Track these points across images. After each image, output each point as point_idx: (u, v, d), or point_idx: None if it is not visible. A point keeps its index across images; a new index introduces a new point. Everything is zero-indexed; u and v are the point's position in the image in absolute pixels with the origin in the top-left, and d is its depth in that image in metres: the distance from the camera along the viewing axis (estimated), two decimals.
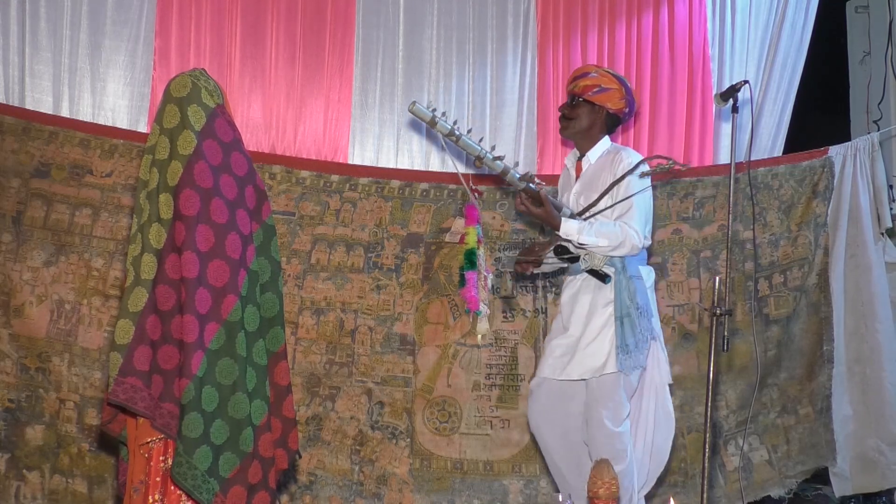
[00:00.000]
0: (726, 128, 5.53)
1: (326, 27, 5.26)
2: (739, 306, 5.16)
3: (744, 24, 5.62)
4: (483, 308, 4.09)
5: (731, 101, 3.93)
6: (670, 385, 4.14)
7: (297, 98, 5.23)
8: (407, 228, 5.06)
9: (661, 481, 5.02)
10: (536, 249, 4.21)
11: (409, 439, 4.91)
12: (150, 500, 3.20)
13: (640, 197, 3.96)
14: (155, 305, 3.14)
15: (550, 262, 4.18)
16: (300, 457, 4.44)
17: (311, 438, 4.82)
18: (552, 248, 4.09)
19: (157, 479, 3.20)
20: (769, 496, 5.18)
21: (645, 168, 3.99)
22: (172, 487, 3.17)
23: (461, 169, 4.16)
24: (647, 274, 4.12)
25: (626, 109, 4.20)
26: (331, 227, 4.93)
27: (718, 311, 3.69)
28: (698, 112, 5.59)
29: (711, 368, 3.67)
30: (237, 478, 3.22)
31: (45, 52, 4.95)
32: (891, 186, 5.46)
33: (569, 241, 3.95)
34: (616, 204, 3.98)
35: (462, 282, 4.09)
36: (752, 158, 4.62)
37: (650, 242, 4.05)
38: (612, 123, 4.22)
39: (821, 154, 5.32)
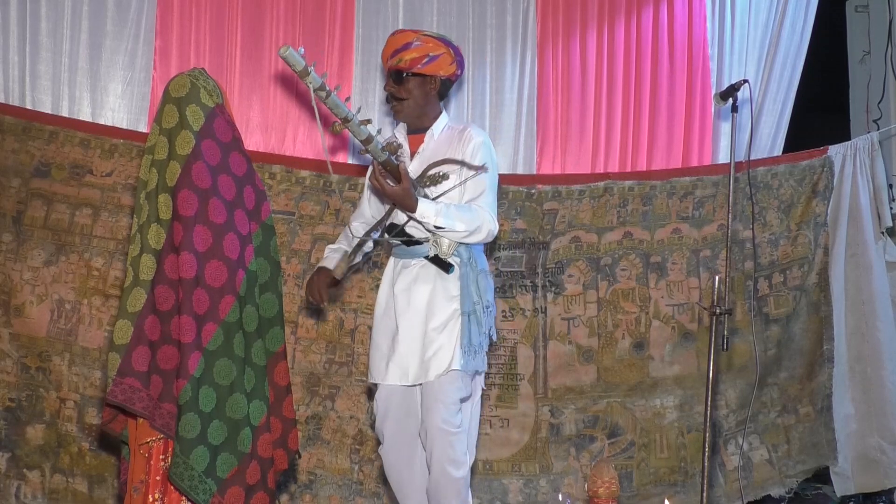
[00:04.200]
0: (725, 127, 5.52)
1: (326, 27, 5.26)
2: (739, 306, 5.16)
3: (743, 24, 5.61)
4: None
5: (730, 101, 3.94)
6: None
7: (296, 98, 5.23)
8: None
9: (660, 480, 5.05)
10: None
11: None
12: (150, 500, 3.21)
13: (490, 179, 3.66)
14: (154, 306, 3.15)
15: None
16: (300, 457, 4.43)
17: (310, 438, 4.82)
18: (380, 227, 3.72)
19: (157, 478, 3.22)
20: (769, 495, 5.19)
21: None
22: (172, 487, 3.18)
23: (322, 132, 3.76)
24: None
25: (459, 71, 3.83)
26: (331, 227, 4.93)
27: (718, 311, 3.70)
28: (697, 111, 5.59)
29: (711, 368, 3.68)
30: (235, 478, 3.23)
31: (45, 51, 4.95)
32: (890, 186, 5.47)
33: (421, 223, 3.55)
34: (464, 185, 3.65)
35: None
36: (752, 158, 4.63)
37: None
38: (445, 90, 3.85)
39: (820, 153, 5.32)
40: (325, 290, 3.79)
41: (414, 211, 3.50)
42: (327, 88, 3.15)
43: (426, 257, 3.66)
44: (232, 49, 5.17)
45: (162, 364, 3.15)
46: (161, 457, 3.23)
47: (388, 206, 3.74)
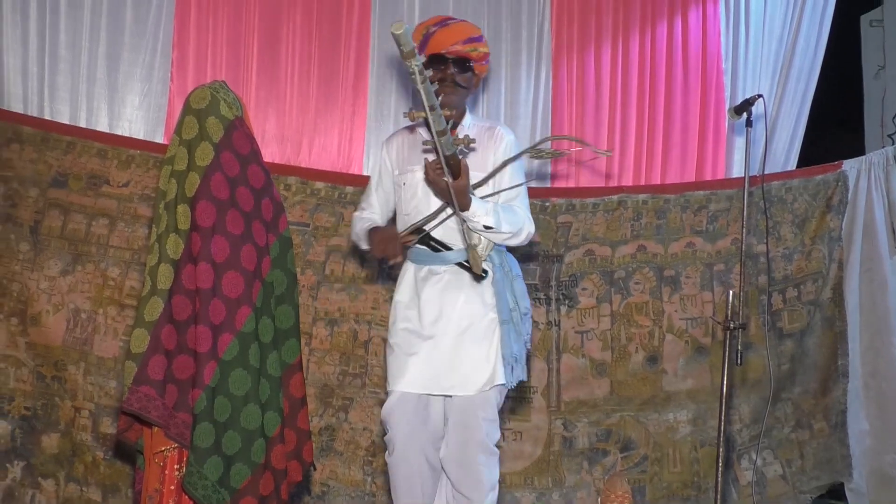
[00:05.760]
0: (739, 141, 5.53)
1: (341, 40, 5.29)
2: (753, 320, 5.15)
3: (758, 38, 5.63)
4: None
5: (744, 115, 3.94)
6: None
7: (312, 110, 5.25)
8: None
9: (673, 495, 5.03)
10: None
11: None
12: None
13: (524, 180, 3.63)
14: (171, 315, 3.17)
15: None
16: (314, 469, 4.43)
17: (323, 449, 4.83)
18: (413, 228, 3.53)
19: (172, 487, 3.23)
20: None
21: (545, 147, 3.70)
22: (186, 496, 3.18)
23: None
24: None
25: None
26: (345, 239, 4.95)
27: (732, 325, 3.70)
28: (711, 125, 5.60)
29: (725, 382, 3.67)
30: (248, 489, 3.24)
31: (64, 63, 5.00)
32: None
33: (469, 221, 3.41)
34: (498, 186, 3.58)
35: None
36: (766, 172, 4.62)
37: None
38: None
39: (835, 168, 5.31)
40: (400, 244, 3.53)
41: (467, 209, 3.37)
42: (425, 73, 2.99)
43: (459, 263, 3.53)
44: (248, 61, 5.20)
45: (177, 373, 3.16)
46: (176, 466, 3.24)
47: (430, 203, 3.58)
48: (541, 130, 5.45)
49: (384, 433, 3.62)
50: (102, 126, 5.02)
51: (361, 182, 5.05)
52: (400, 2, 5.36)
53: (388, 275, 4.96)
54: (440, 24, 3.62)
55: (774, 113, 5.55)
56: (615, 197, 5.19)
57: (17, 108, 4.89)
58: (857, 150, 5.74)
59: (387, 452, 3.62)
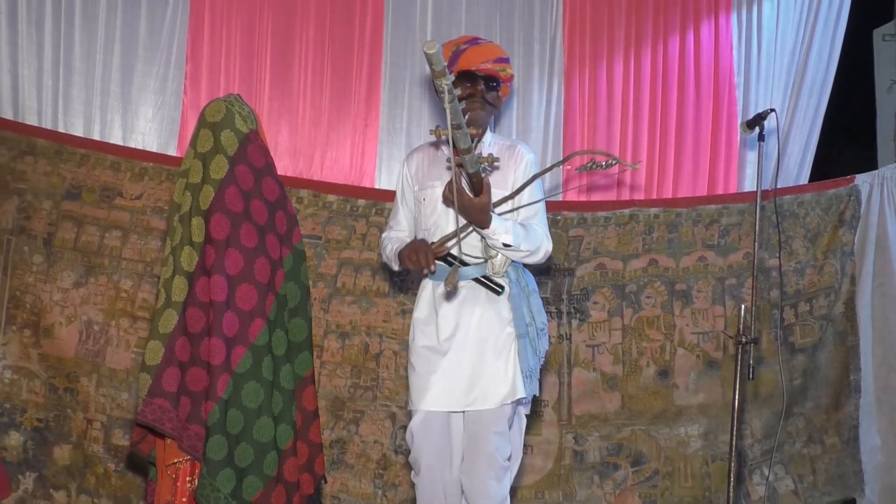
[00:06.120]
0: (751, 155, 5.53)
1: (354, 53, 5.31)
2: (765, 334, 5.14)
3: (770, 52, 5.63)
4: None
5: (757, 129, 3.94)
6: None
7: (324, 123, 5.27)
8: None
9: None
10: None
11: None
12: None
13: (541, 196, 3.63)
14: (185, 327, 3.18)
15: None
16: (326, 482, 4.43)
17: (334, 462, 4.83)
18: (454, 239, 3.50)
19: (184, 499, 3.23)
20: None
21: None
22: None
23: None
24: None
25: None
26: (357, 252, 4.96)
27: (744, 340, 3.69)
28: (724, 139, 5.60)
29: (737, 397, 3.66)
30: (260, 501, 3.25)
31: (78, 76, 5.03)
32: None
33: (489, 239, 3.43)
34: (517, 204, 3.58)
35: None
36: (778, 186, 4.61)
37: None
38: None
39: (847, 182, 5.30)
40: (433, 255, 3.46)
41: (487, 226, 3.39)
42: (454, 93, 2.97)
43: (476, 279, 3.53)
44: (261, 74, 5.23)
45: (191, 385, 3.17)
46: (188, 478, 3.24)
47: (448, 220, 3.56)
48: (553, 143, 5.46)
49: (408, 452, 3.62)
50: (116, 139, 5.04)
51: (373, 195, 5.07)
52: (412, 17, 5.38)
53: (399, 288, 4.97)
54: (471, 43, 3.66)
55: (787, 127, 5.55)
56: (627, 211, 5.19)
57: (32, 120, 4.92)
58: (870, 164, 5.73)
59: (412, 472, 3.63)
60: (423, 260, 3.44)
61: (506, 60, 3.66)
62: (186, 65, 5.14)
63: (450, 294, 3.52)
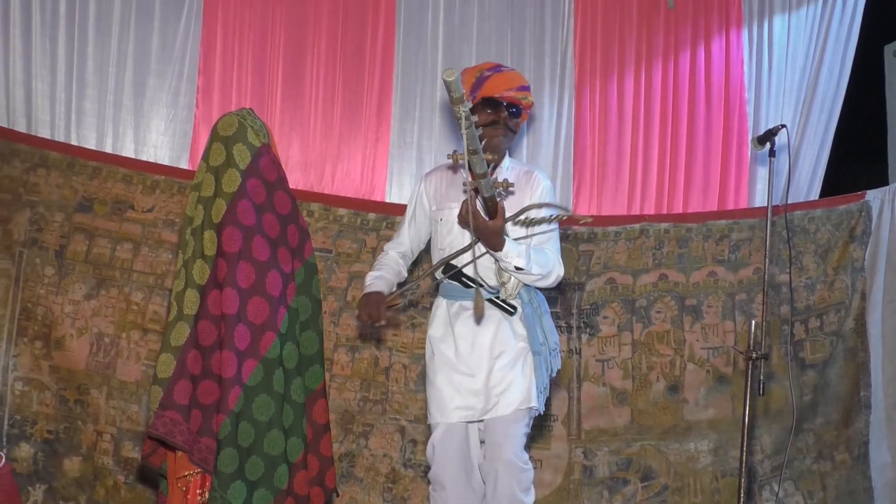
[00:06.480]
0: (762, 171, 5.53)
1: (365, 67, 5.33)
2: (775, 350, 5.13)
3: (780, 68, 5.63)
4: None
5: (767, 145, 3.95)
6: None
7: (335, 137, 5.29)
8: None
9: None
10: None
11: None
12: None
13: (556, 224, 3.67)
14: (196, 340, 3.18)
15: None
16: (338, 495, 4.42)
17: (344, 475, 4.82)
18: (440, 266, 3.62)
19: None
20: None
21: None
22: None
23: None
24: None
25: None
26: (367, 265, 4.95)
27: (754, 355, 3.69)
28: (734, 154, 5.61)
29: (747, 412, 3.65)
30: None
31: (91, 89, 5.06)
32: None
33: (502, 262, 3.51)
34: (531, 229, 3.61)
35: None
36: (789, 202, 4.61)
37: None
38: None
39: (858, 198, 5.29)
40: (384, 308, 3.61)
41: (500, 249, 3.47)
42: (472, 119, 3.07)
43: (489, 299, 3.59)
44: (273, 87, 5.25)
45: (202, 398, 3.18)
46: (198, 491, 3.25)
47: (466, 241, 3.62)
48: (563, 158, 5.47)
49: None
50: (128, 151, 5.06)
51: (384, 209, 5.08)
52: (424, 31, 5.41)
53: (409, 302, 4.97)
54: (494, 70, 3.74)
55: (797, 142, 5.55)
56: (637, 225, 5.20)
57: (45, 133, 4.95)
58: (881, 180, 5.71)
59: (431, 488, 3.68)
60: (373, 314, 3.56)
61: (527, 88, 3.74)
62: (199, 78, 5.16)
63: (479, 319, 3.60)
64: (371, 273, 3.83)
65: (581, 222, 3.65)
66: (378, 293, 3.67)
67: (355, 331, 4.95)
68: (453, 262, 3.60)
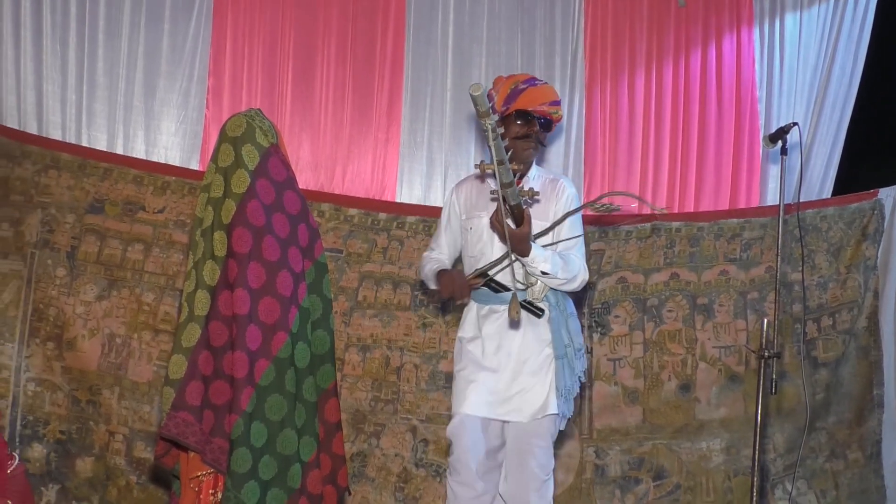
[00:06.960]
0: (773, 169, 5.51)
1: (375, 68, 5.34)
2: (787, 349, 5.11)
3: (792, 66, 5.62)
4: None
5: (779, 143, 3.93)
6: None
7: (346, 137, 5.29)
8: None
9: None
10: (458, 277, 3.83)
11: None
12: None
13: (581, 230, 3.84)
14: (208, 341, 3.19)
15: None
16: (350, 494, 4.43)
17: (355, 475, 4.83)
18: (478, 272, 3.75)
19: None
20: None
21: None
22: None
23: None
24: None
25: None
26: (378, 265, 4.98)
27: (767, 354, 3.68)
28: (746, 153, 5.59)
29: (759, 411, 3.65)
30: None
31: (102, 90, 5.08)
32: None
33: (529, 266, 3.63)
34: (557, 235, 3.77)
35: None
36: (801, 200, 4.59)
37: None
38: None
39: (870, 196, 5.27)
40: (468, 286, 3.76)
41: (527, 255, 3.60)
42: (498, 131, 3.19)
43: (519, 302, 3.55)
44: (283, 88, 5.25)
45: (214, 399, 3.18)
46: (211, 491, 3.25)
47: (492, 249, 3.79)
48: (574, 158, 5.46)
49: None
50: (139, 153, 5.08)
51: (395, 209, 5.09)
52: (434, 32, 5.40)
53: (419, 302, 4.97)
54: (529, 83, 3.85)
55: (809, 141, 5.53)
56: (648, 224, 5.19)
57: (56, 135, 4.97)
58: (893, 177, 5.69)
59: (448, 472, 3.79)
60: (457, 291, 3.75)
61: (559, 103, 3.90)
62: (209, 79, 5.18)
63: (514, 323, 3.70)
64: (429, 261, 3.97)
65: (657, 213, 3.87)
66: (459, 271, 3.87)
67: (367, 330, 4.96)
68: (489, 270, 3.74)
